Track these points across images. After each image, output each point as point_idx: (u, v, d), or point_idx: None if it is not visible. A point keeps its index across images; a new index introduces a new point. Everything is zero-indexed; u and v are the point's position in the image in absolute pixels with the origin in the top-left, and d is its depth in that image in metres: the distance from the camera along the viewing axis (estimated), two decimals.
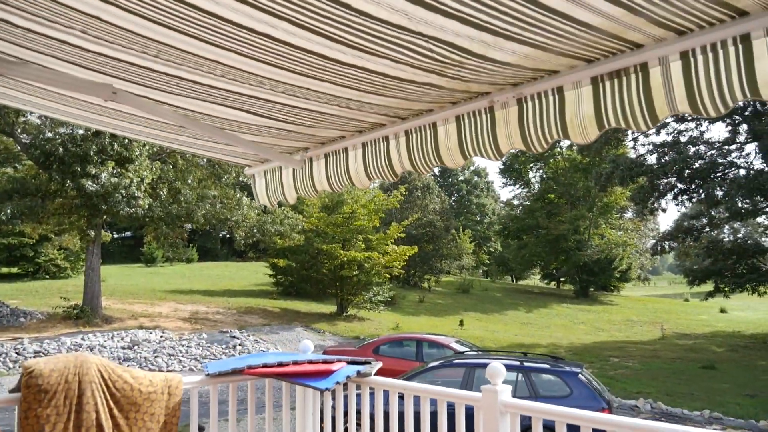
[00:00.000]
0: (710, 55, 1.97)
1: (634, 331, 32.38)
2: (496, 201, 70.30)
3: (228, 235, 39.31)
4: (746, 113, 26.16)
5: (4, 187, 21.11)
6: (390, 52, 2.14)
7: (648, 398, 15.17)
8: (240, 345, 20.97)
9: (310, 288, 32.45)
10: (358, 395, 6.54)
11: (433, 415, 3.69)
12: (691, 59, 2.01)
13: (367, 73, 2.33)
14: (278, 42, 2.10)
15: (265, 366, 4.02)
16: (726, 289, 26.47)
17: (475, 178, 72.45)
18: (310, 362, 4.13)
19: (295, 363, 4.09)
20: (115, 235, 55.97)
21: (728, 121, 26.80)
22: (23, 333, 21.23)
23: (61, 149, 20.49)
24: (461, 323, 29.80)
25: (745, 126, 26.79)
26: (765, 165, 24.63)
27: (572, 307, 41.64)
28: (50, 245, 34.38)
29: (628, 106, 2.16)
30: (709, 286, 27.92)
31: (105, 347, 19.41)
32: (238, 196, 24.79)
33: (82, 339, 20.19)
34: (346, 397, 4.13)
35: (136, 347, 19.60)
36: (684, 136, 28.01)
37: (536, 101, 2.44)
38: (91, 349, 18.99)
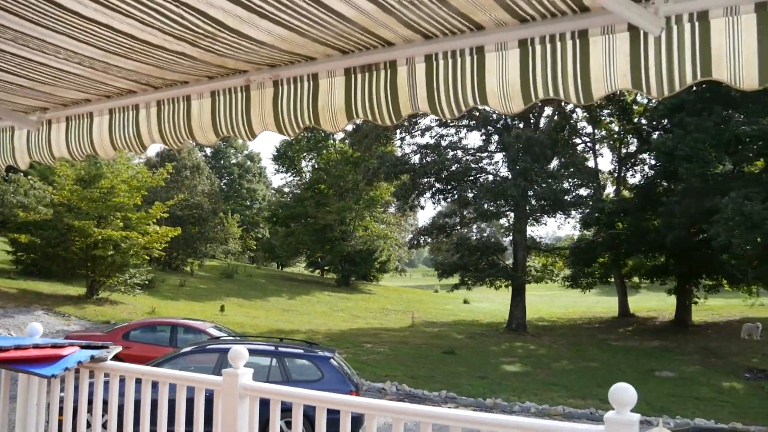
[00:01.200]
0: (450, 61, 2.12)
1: (388, 319, 34.31)
2: (268, 187, 70.03)
3: None
4: (498, 125, 29.09)
5: None
6: (137, 12, 1.99)
7: (394, 381, 16.19)
8: None
9: (57, 267, 29.49)
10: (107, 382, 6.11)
11: (176, 402, 3.54)
12: (434, 63, 2.14)
13: (112, 31, 2.15)
14: None
15: None
16: (469, 282, 29.14)
17: (248, 162, 71.44)
18: (36, 347, 3.73)
19: (18, 348, 3.66)
20: None
21: (483, 131, 29.58)
22: None
23: None
24: (222, 309, 29.28)
25: (496, 137, 29.78)
26: (509, 173, 27.57)
27: (333, 295, 42.94)
28: None
29: (375, 100, 2.25)
30: (455, 279, 30.50)
31: None
32: None
33: None
34: (92, 385, 3.78)
35: None
36: (445, 140, 30.37)
37: (292, 85, 2.44)
38: None
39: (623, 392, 2.56)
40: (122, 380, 3.79)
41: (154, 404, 3.59)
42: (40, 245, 27.50)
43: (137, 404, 3.64)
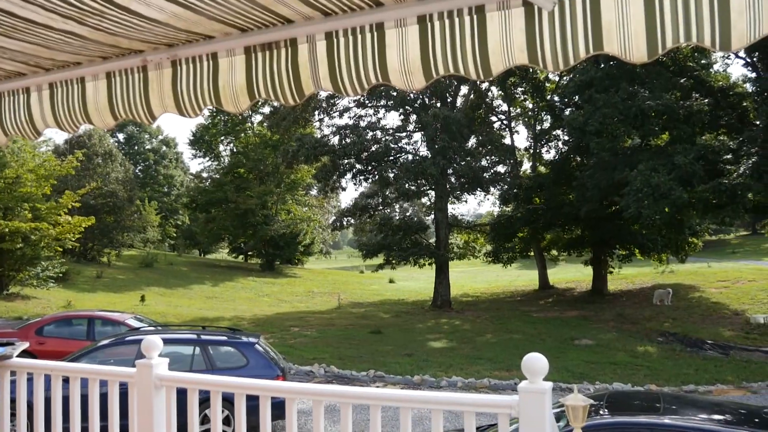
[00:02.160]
0: (350, 38, 2.10)
1: (314, 302, 34.28)
2: (186, 173, 68.29)
3: None
4: (416, 105, 29.29)
5: None
6: None
7: (322, 363, 16.19)
8: None
9: None
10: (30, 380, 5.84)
11: (89, 397, 3.42)
12: (335, 40, 2.12)
13: None
14: None
15: None
16: (393, 261, 29.40)
17: (164, 147, 69.41)
18: None
19: None
20: None
21: (401, 110, 29.72)
22: None
23: None
24: (143, 299, 28.47)
25: (414, 116, 29.99)
26: (428, 152, 27.85)
27: (258, 280, 42.52)
28: None
29: (277, 79, 2.21)
30: (380, 260, 30.72)
31: None
32: None
33: None
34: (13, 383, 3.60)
35: None
36: (363, 121, 30.35)
37: (191, 65, 2.37)
38: None
39: (535, 362, 2.61)
40: (30, 378, 3.64)
41: (68, 401, 3.47)
42: None
43: (49, 402, 3.50)
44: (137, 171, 62.89)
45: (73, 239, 26.92)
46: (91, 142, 43.06)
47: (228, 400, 3.22)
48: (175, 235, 60.93)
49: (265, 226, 46.48)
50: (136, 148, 67.30)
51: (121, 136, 67.59)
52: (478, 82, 31.37)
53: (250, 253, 55.38)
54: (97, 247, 41.99)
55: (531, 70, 32.19)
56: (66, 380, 3.49)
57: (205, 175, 55.18)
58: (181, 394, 3.18)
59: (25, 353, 11.99)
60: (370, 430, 2.77)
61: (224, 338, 10.21)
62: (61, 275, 28.22)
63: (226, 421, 8.85)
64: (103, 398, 3.38)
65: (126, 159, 50.79)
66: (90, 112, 2.60)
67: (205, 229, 50.86)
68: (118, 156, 46.83)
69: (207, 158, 55.88)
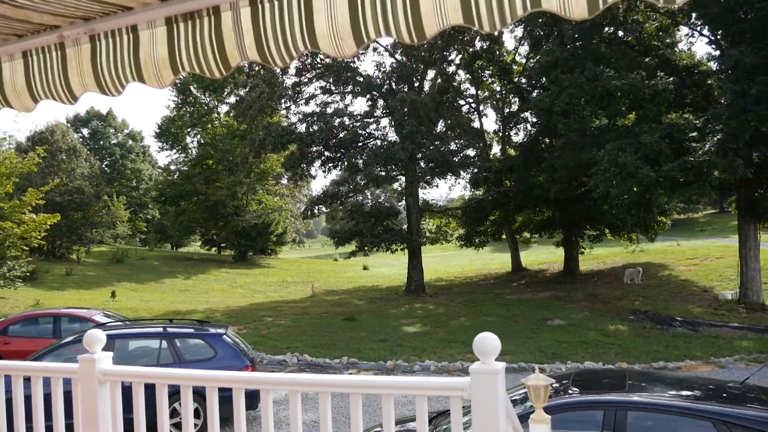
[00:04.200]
0: (276, 3, 1.97)
1: (288, 291, 34.12)
2: (154, 166, 67.39)
3: None
4: (383, 90, 29.11)
5: None
6: None
7: (295, 352, 16.10)
8: None
9: None
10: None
11: (47, 397, 3.27)
12: (259, 6, 1.99)
13: None
14: None
15: None
16: (366, 248, 29.31)
17: (130, 141, 68.34)
18: None
19: None
20: None
21: (368, 96, 29.49)
22: None
23: None
24: (113, 295, 28.09)
25: (381, 102, 29.81)
26: (397, 137, 27.72)
27: (231, 272, 42.22)
28: None
29: (201, 51, 2.08)
30: (352, 246, 30.61)
31: None
32: None
33: None
34: None
35: None
36: (330, 108, 30.09)
37: (110, 40, 2.22)
38: None
39: (486, 341, 2.52)
40: None
41: (10, 402, 3.33)
42: None
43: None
44: (104, 166, 61.90)
45: (39, 237, 26.31)
46: (54, 138, 42.22)
47: (199, 394, 3.09)
48: (145, 229, 60.22)
49: (236, 217, 46.08)
50: (101, 143, 66.21)
51: (85, 131, 66.40)
52: (444, 66, 31.29)
53: (222, 244, 54.97)
54: (66, 244, 41.29)
55: (497, 53, 32.19)
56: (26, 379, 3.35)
57: (173, 167, 54.41)
58: (149, 389, 3.04)
59: None
60: (320, 417, 2.67)
61: (191, 330, 10.06)
62: (28, 274, 27.65)
63: (196, 414, 8.72)
64: (46, 398, 3.24)
65: (91, 154, 49.92)
66: (8, 95, 2.45)
67: (175, 222, 50.30)
68: (82, 151, 46.00)
69: (174, 151, 55.11)
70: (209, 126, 51.66)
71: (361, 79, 28.54)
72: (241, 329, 20.27)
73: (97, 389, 3.07)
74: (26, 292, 26.93)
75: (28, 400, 3.26)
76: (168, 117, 53.20)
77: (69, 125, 58.10)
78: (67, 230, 39.29)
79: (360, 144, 28.80)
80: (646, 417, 5.25)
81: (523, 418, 4.07)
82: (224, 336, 9.93)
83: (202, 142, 52.02)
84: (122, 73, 2.20)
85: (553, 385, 6.29)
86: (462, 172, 30.35)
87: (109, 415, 3.09)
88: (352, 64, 28.99)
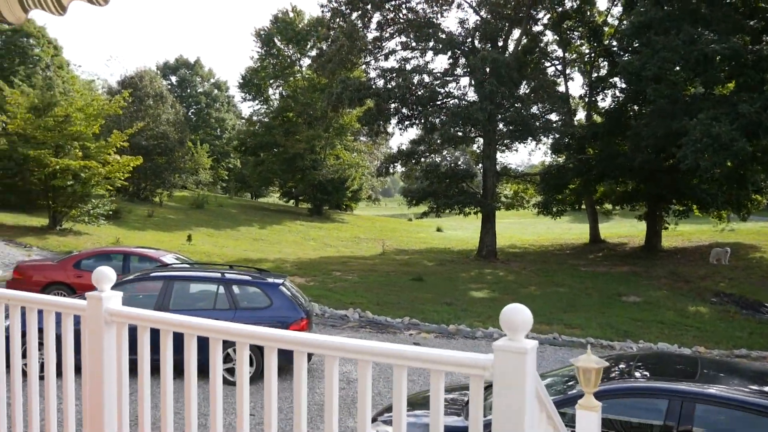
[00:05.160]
0: None
1: (359, 248, 34.23)
2: (237, 116, 68.72)
3: None
4: (464, 48, 28.25)
5: None
6: None
7: (358, 308, 16.05)
8: None
9: (17, 199, 28.85)
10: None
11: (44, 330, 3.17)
12: None
13: None
14: None
15: None
16: (438, 209, 28.93)
17: (215, 91, 69.74)
18: None
19: None
20: None
21: (449, 53, 28.69)
22: None
23: None
24: (189, 238, 28.87)
25: (462, 60, 28.95)
26: (476, 97, 26.92)
27: (305, 225, 42.73)
28: None
29: None
30: (426, 207, 30.29)
31: None
32: None
33: None
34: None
35: None
36: (410, 64, 29.49)
37: None
38: None
39: (515, 314, 2.09)
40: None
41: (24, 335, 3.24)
42: None
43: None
44: (189, 114, 63.55)
45: (123, 178, 27.34)
46: (142, 84, 43.46)
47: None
48: (226, 177, 61.72)
49: (313, 171, 46.46)
50: (188, 90, 67.91)
51: (173, 79, 68.16)
52: (529, 25, 29.91)
53: (299, 197, 55.71)
54: (150, 187, 42.84)
55: (588, 13, 30.57)
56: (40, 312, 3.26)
57: (255, 118, 55.27)
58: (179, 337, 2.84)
59: (63, 286, 12.11)
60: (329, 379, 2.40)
61: (248, 278, 10.05)
62: (111, 213, 28.82)
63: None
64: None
65: (177, 101, 51.22)
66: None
67: (254, 172, 51.31)
68: (169, 98, 47.22)
69: (256, 102, 55.89)
70: (291, 78, 51.96)
71: (443, 36, 27.73)
72: (309, 281, 20.43)
73: (104, 329, 2.92)
74: (109, 230, 28.04)
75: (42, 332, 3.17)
76: (252, 68, 53.81)
77: (158, 72, 59.66)
78: (151, 173, 40.74)
79: (438, 102, 28.18)
80: (717, 412, 4.73)
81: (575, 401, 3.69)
82: (281, 286, 9.87)
83: (284, 94, 52.45)
84: None
85: (619, 366, 5.85)
86: (543, 137, 29.33)
87: (114, 357, 2.93)
88: (434, 20, 28.20)
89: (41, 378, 3.23)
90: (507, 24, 29.20)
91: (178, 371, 2.78)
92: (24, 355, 3.28)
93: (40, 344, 3.24)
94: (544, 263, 27.87)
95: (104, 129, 28.38)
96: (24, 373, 3.25)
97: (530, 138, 28.74)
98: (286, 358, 2.63)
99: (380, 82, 28.12)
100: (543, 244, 36.34)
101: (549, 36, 32.43)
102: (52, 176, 24.75)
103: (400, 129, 29.03)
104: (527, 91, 29.66)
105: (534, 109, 28.36)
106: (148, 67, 52.00)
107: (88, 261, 14.15)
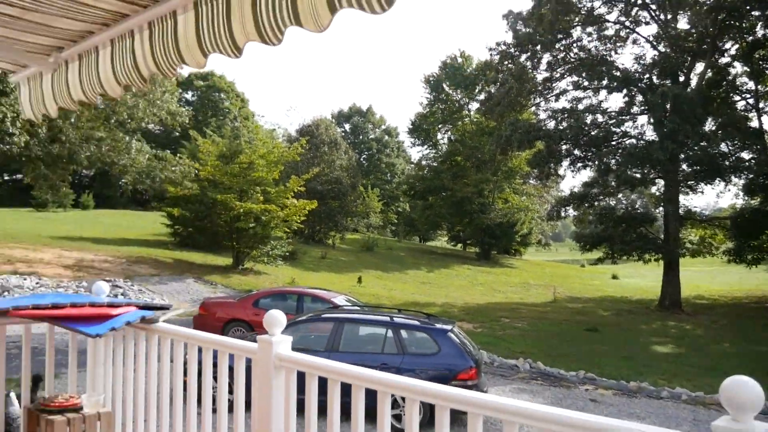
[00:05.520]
0: None
1: (528, 294, 33.22)
2: (407, 161, 70.35)
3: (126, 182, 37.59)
4: (641, 84, 26.83)
5: None
6: None
7: (528, 358, 15.38)
8: (123, 294, 19.95)
9: (205, 240, 31.45)
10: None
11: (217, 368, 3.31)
12: None
13: None
14: None
15: (36, 307, 3.51)
16: (615, 255, 27.40)
17: (386, 137, 72.06)
18: (92, 305, 3.66)
19: (73, 305, 3.63)
20: (5, 177, 52.55)
21: (624, 91, 27.40)
22: None
23: None
24: (359, 280, 29.64)
25: (640, 97, 27.50)
26: (655, 136, 25.35)
27: (473, 269, 42.35)
28: None
29: None
30: (600, 253, 28.83)
31: None
32: (126, 139, 23.41)
33: None
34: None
35: (5, 293, 18.25)
36: (582, 104, 28.52)
37: None
38: None
39: (741, 389, 1.65)
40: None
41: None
42: (189, 218, 29.52)
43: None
44: (361, 159, 66.08)
45: (299, 221, 28.84)
46: (318, 131, 45.93)
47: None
48: (395, 221, 63.09)
49: (481, 215, 46.18)
50: (360, 137, 70.77)
51: (347, 126, 71.48)
52: (715, 58, 27.80)
53: (467, 241, 55.51)
54: (323, 229, 44.78)
55: None
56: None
57: (423, 163, 56.27)
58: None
59: (243, 323, 12.77)
60: None
61: (416, 323, 9.95)
62: (288, 254, 30.47)
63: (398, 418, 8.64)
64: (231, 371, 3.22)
65: (350, 147, 53.52)
66: (182, 50, 2.30)
67: (423, 216, 51.99)
68: (342, 144, 49.42)
69: (425, 146, 56.96)
70: (459, 123, 52.47)
71: (618, 73, 26.58)
72: (477, 327, 20.05)
73: (272, 373, 2.92)
74: (285, 270, 29.56)
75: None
76: (421, 114, 55.04)
77: (332, 120, 62.91)
78: (325, 217, 42.62)
79: (613, 143, 26.91)
80: None
81: None
82: (449, 333, 9.66)
83: (452, 138, 53.01)
84: (280, 17, 1.91)
85: None
86: (734, 178, 26.83)
87: (282, 401, 2.93)
88: (607, 57, 27.15)
89: (213, 411, 3.35)
90: (689, 57, 27.39)
91: (345, 412, 2.69)
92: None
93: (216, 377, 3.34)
94: (738, 317, 25.28)
95: (283, 175, 30.23)
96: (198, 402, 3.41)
97: (718, 178, 26.44)
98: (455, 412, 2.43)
99: (551, 124, 27.48)
100: (736, 295, 33.04)
101: (738, 68, 29.93)
102: (237, 219, 26.69)
103: (572, 171, 27.98)
104: (713, 128, 27.44)
105: (722, 147, 26.12)
106: (323, 115, 55.10)
107: (265, 300, 14.87)
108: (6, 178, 53.32)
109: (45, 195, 41.30)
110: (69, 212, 45.44)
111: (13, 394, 4.25)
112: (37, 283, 20.40)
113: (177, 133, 49.06)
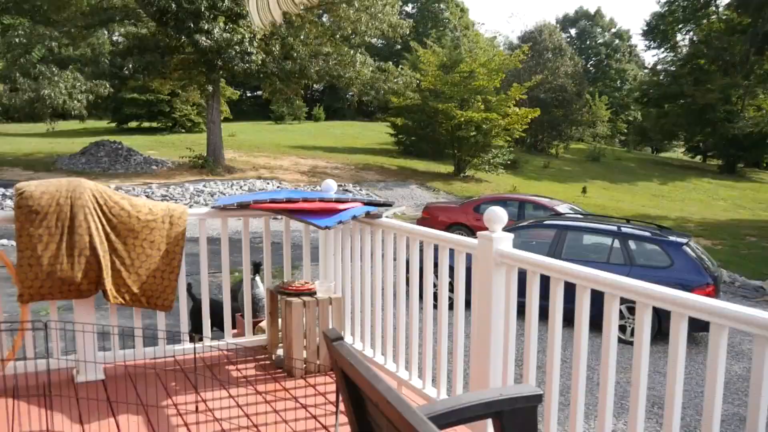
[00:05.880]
0: None
1: None
2: (640, 67, 64.90)
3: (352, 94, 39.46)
4: None
5: (126, 44, 21.85)
6: None
7: None
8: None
9: (428, 148, 32.22)
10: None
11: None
12: None
13: None
14: None
15: (273, 201, 3.85)
16: None
17: (616, 41, 66.99)
18: (321, 200, 3.93)
19: (305, 200, 3.92)
20: (248, 94, 57.73)
21: None
22: (153, 179, 22.69)
23: (174, 5, 20.59)
24: (584, 190, 28.48)
25: None
26: None
27: (714, 183, 38.61)
28: (178, 101, 36.15)
29: None
30: None
31: (224, 194, 20.36)
32: (351, 52, 24.29)
33: (204, 185, 21.29)
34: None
35: None
36: None
37: None
38: (212, 195, 19.99)
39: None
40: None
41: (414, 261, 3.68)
42: (412, 127, 30.43)
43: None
44: (588, 66, 62.39)
45: (521, 130, 28.32)
46: (542, 38, 43.92)
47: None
48: (625, 131, 59.29)
49: (726, 123, 41.33)
50: (587, 42, 66.73)
51: (572, 31, 67.55)
52: None
53: (709, 153, 50.59)
54: (546, 139, 43.62)
55: None
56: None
57: (659, 67, 51.47)
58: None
59: (464, 227, 13.05)
60: None
61: (647, 234, 9.32)
62: (509, 162, 30.26)
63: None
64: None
65: (576, 54, 50.62)
66: None
67: (656, 124, 48.22)
68: (567, 51, 46.98)
69: (662, 49, 51.86)
70: (704, 21, 46.75)
71: None
72: (715, 244, 18.50)
73: (492, 270, 2.84)
74: (506, 179, 29.40)
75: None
76: (658, 13, 50.06)
77: (557, 25, 59.59)
78: (548, 126, 41.39)
79: None
80: None
81: None
82: (685, 246, 8.93)
83: (695, 39, 47.58)
84: None
85: None
86: None
87: (503, 298, 2.85)
88: None
89: (435, 307, 3.44)
90: None
91: (567, 318, 2.55)
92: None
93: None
94: None
95: (504, 83, 29.61)
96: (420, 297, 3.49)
97: None
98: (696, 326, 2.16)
99: None
100: None
101: None
102: (458, 128, 26.89)
103: None
104: None
105: None
106: (547, 21, 52.36)
107: (487, 205, 14.88)
108: (249, 95, 58.54)
109: (281, 108, 44.89)
110: (303, 124, 48.96)
111: (258, 278, 4.75)
112: (277, 186, 22.49)
113: (398, 46, 49.84)
